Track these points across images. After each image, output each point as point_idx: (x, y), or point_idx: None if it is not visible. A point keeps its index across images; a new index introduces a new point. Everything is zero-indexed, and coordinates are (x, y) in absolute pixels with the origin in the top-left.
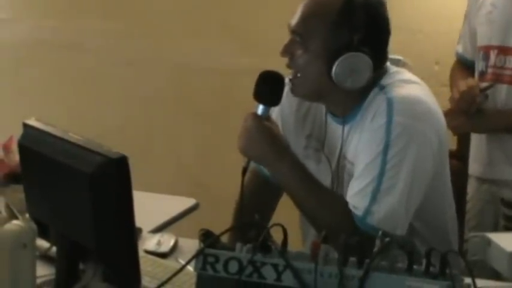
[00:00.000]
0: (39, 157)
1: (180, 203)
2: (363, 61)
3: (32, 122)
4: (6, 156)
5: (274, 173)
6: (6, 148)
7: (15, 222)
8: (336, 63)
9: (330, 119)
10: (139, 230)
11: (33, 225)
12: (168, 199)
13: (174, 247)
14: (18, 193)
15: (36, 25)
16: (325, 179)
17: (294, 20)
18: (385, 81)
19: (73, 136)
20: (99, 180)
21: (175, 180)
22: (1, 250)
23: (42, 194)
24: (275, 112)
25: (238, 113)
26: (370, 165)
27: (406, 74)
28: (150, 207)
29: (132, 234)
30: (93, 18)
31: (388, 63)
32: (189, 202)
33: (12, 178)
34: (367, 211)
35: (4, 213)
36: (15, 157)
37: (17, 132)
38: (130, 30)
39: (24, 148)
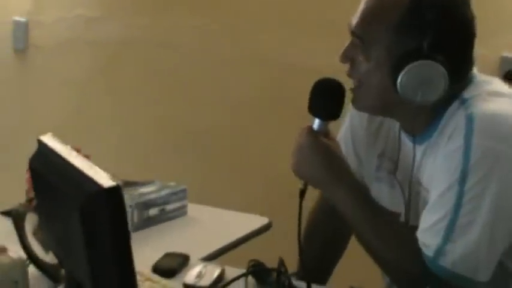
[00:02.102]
0: (43, 181)
1: (249, 222)
2: (434, 70)
3: (46, 138)
4: None
5: (330, 198)
6: None
7: (7, 255)
8: (402, 73)
9: (404, 137)
10: (186, 258)
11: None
12: (237, 217)
13: (218, 280)
14: None
15: (126, 23)
16: (399, 207)
17: (354, 20)
18: (468, 93)
19: (79, 157)
20: (89, 211)
21: (268, 192)
22: None
23: (48, 224)
24: (344, 127)
25: (342, 118)
26: (444, 195)
27: (497, 85)
28: (212, 227)
29: (130, 275)
30: (185, 16)
31: (474, 71)
32: (259, 221)
33: None
34: (439, 251)
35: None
36: None
37: (109, 132)
38: (224, 27)
39: (33, 168)
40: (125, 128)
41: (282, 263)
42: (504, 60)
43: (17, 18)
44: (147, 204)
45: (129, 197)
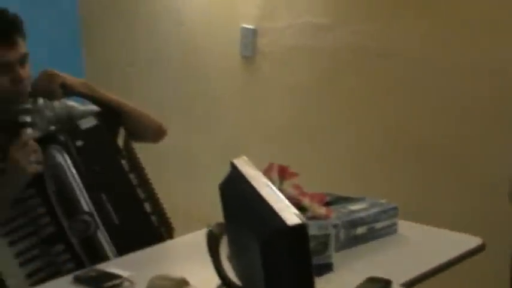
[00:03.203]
0: (231, 207)
1: (461, 243)
2: None
3: (239, 161)
4: None
5: None
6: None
7: None
8: None
9: None
10: (387, 284)
11: None
12: (448, 236)
13: None
14: None
15: (353, 30)
16: None
17: None
18: None
19: (269, 186)
20: (270, 248)
21: (485, 211)
22: None
23: (233, 251)
24: None
25: None
26: None
27: None
28: (420, 247)
29: None
30: (415, 23)
31: None
32: (472, 242)
33: None
34: None
35: None
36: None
37: (328, 140)
38: (454, 34)
39: (223, 193)
40: (344, 138)
41: None
42: None
43: (245, 25)
44: (356, 223)
45: (337, 216)
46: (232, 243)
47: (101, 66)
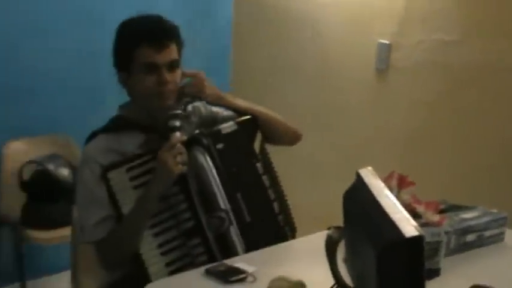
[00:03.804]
0: (352, 214)
1: None
2: None
3: (364, 172)
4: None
5: None
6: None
7: None
8: None
9: None
10: None
11: None
12: None
13: None
14: None
15: (482, 48)
16: None
17: None
18: None
19: (390, 198)
20: (386, 258)
21: None
22: None
23: (350, 257)
24: None
25: None
26: None
27: None
28: None
29: None
30: None
31: None
32: None
33: None
34: None
35: None
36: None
37: (447, 153)
38: None
39: (346, 201)
40: (461, 150)
41: None
42: None
43: (382, 40)
44: (466, 230)
45: (449, 223)
46: (349, 248)
47: (245, 75)
